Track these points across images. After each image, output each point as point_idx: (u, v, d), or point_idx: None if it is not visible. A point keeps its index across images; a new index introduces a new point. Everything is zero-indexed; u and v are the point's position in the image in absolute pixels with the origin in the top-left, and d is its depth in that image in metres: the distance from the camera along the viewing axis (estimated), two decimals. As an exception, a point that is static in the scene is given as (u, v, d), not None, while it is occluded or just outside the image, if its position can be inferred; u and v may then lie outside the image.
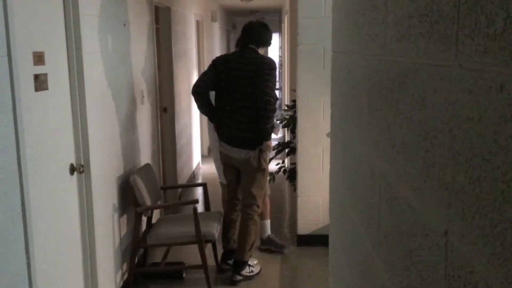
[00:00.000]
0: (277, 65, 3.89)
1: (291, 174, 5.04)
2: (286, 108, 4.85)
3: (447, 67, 0.73)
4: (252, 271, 3.86)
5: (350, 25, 1.58)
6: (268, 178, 3.95)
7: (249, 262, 3.89)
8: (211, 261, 3.92)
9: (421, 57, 0.85)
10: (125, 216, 3.65)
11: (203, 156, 7.91)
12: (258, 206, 3.82)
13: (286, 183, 5.99)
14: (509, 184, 0.55)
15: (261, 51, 3.81)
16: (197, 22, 7.50)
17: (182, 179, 5.96)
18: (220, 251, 4.06)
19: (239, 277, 3.80)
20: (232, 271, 3.85)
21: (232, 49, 12.67)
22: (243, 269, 3.82)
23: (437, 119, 0.78)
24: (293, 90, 5.10)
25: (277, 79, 3.79)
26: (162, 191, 4.19)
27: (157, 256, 4.21)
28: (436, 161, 0.78)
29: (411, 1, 0.90)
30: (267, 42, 3.87)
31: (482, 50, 0.61)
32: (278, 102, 3.97)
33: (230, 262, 3.98)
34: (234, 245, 3.99)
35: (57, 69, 2.62)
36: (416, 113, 0.88)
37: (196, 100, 3.74)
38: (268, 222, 4.31)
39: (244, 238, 3.82)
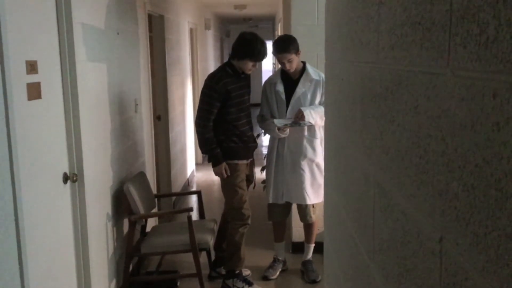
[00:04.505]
0: (214, 81, 3.62)
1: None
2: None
3: (440, 75, 0.73)
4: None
5: (343, 33, 1.59)
6: (238, 195, 3.73)
7: (244, 273, 3.90)
8: (205, 270, 3.90)
9: (414, 65, 0.85)
10: (119, 225, 3.64)
11: (197, 164, 7.90)
12: (232, 216, 3.78)
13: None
14: (503, 191, 0.55)
15: (244, 64, 3.66)
16: (191, 30, 7.52)
17: (176, 187, 5.95)
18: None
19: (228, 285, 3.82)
20: (223, 278, 3.89)
21: (226, 57, 12.74)
22: (232, 278, 3.82)
23: (430, 126, 0.78)
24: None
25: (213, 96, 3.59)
26: (156, 199, 4.17)
27: (151, 264, 4.19)
28: (429, 168, 0.79)
29: (403, 9, 0.91)
30: (238, 54, 3.66)
31: (475, 57, 0.62)
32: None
33: (219, 270, 4.00)
34: (225, 254, 4.00)
35: (50, 77, 2.61)
36: (409, 120, 0.88)
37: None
38: (310, 246, 4.07)
39: (227, 246, 3.87)
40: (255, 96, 3.97)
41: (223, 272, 3.93)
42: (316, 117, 3.62)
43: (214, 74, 3.73)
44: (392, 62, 0.99)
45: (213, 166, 3.70)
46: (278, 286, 3.96)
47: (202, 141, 3.69)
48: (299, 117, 3.62)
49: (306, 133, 3.76)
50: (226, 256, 3.89)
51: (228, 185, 3.75)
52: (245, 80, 3.79)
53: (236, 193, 3.73)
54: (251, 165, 3.95)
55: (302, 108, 3.64)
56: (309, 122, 3.64)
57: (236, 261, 3.80)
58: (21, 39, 2.26)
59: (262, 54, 3.69)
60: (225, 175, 3.68)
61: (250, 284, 3.80)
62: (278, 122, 3.69)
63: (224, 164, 3.66)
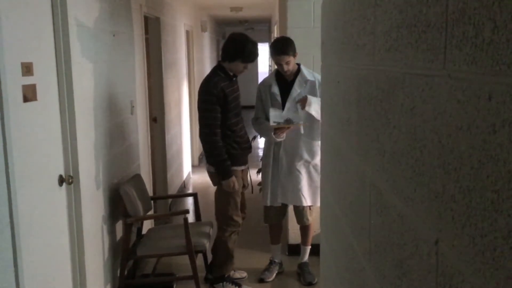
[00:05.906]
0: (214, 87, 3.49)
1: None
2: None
3: (436, 77, 0.73)
4: None
5: (339, 35, 1.59)
6: (233, 201, 3.69)
7: (240, 276, 3.89)
8: (201, 272, 3.90)
9: (410, 67, 0.86)
10: (114, 227, 3.62)
11: (193, 166, 7.89)
12: (225, 223, 3.73)
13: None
14: (499, 193, 0.55)
15: (235, 65, 3.58)
16: (187, 32, 7.51)
17: (173, 189, 5.94)
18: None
19: None
20: (211, 282, 3.89)
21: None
22: (221, 282, 3.82)
23: (426, 128, 0.78)
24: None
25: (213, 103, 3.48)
26: (152, 201, 4.16)
27: (147, 267, 4.17)
28: (425, 170, 0.79)
29: (399, 12, 0.91)
30: (229, 56, 3.56)
31: (470, 59, 0.62)
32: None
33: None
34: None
35: (46, 79, 2.60)
36: (406, 122, 0.88)
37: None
38: (306, 249, 4.07)
39: (219, 253, 3.84)
40: (251, 98, 3.96)
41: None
42: (318, 109, 3.49)
43: (210, 79, 3.58)
44: (388, 64, 1.00)
45: (223, 179, 3.57)
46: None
47: (213, 151, 3.52)
48: (301, 102, 3.59)
49: (303, 134, 3.76)
50: (216, 261, 3.86)
51: (225, 192, 3.67)
52: (236, 83, 3.74)
53: (232, 200, 3.68)
54: (246, 171, 3.94)
55: (309, 96, 3.62)
56: (302, 121, 3.65)
57: (228, 266, 3.81)
58: (16, 41, 2.25)
59: (254, 55, 3.60)
60: (236, 188, 3.60)
61: (239, 285, 3.81)
62: (273, 116, 3.65)
63: (233, 178, 3.56)
